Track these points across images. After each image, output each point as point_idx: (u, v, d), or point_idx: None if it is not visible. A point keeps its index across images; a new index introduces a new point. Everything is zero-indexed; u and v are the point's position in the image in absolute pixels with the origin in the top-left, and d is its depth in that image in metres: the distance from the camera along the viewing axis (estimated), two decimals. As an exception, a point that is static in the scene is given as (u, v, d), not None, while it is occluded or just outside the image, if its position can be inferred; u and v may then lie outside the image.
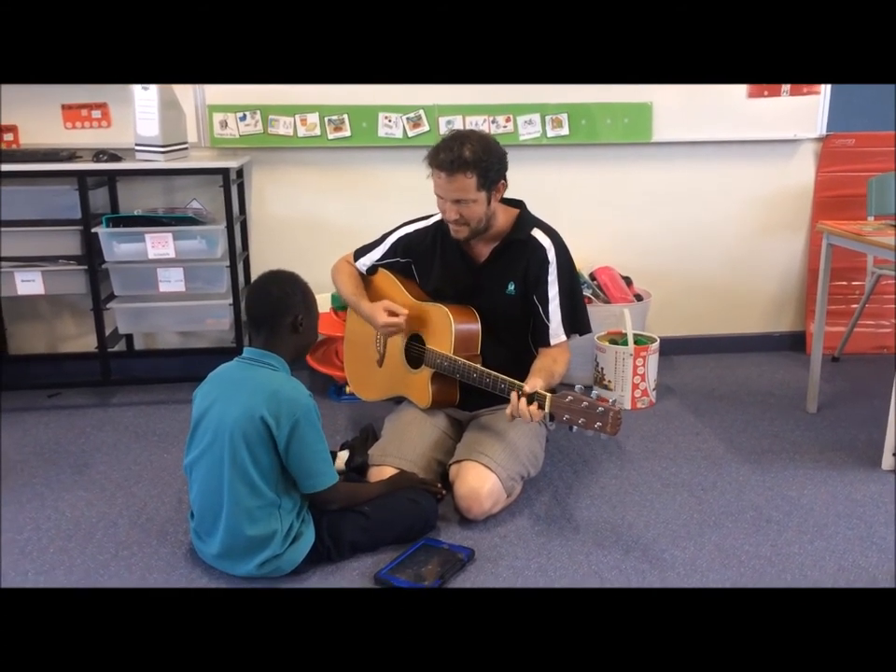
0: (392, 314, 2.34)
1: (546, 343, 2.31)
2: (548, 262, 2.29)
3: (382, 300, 2.43)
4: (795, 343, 3.71)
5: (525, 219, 2.36)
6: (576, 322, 2.35)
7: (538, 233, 2.33)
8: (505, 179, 2.26)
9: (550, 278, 2.29)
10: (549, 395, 2.02)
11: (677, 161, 3.47)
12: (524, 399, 2.04)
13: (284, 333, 2.01)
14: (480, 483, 2.18)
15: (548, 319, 2.29)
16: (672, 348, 3.52)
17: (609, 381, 3.08)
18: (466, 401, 2.40)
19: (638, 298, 3.35)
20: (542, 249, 2.30)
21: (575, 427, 1.95)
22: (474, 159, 2.14)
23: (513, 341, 2.36)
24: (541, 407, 2.02)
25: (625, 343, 3.04)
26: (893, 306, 3.57)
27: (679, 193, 3.51)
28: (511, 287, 2.33)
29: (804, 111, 3.44)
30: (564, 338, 2.30)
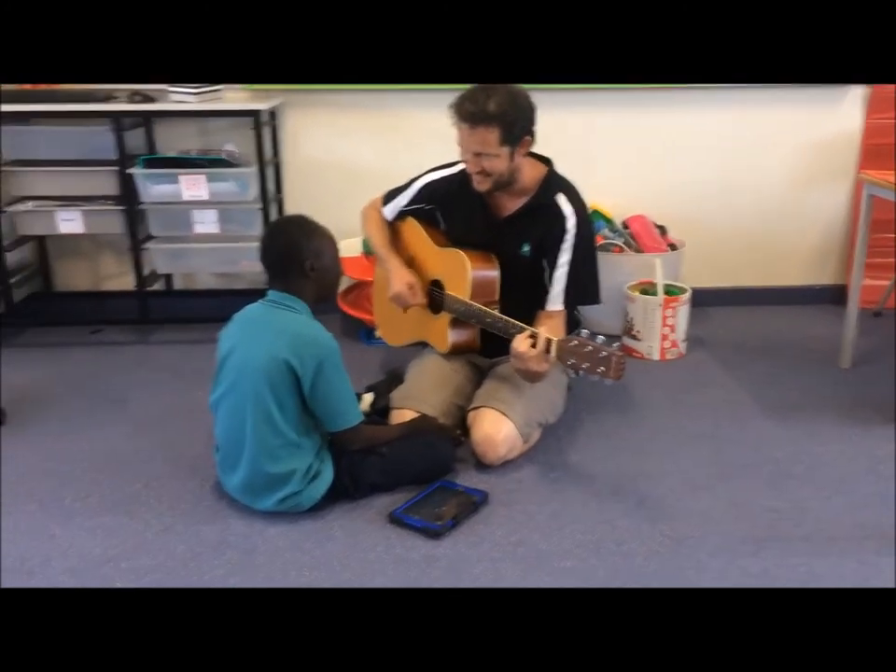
0: (412, 291, 2.39)
1: (542, 306, 2.30)
2: (566, 231, 2.26)
3: (408, 251, 2.48)
4: (837, 296, 3.58)
5: (552, 181, 2.32)
6: (580, 294, 2.33)
7: (561, 199, 2.29)
8: (532, 135, 2.21)
9: (564, 246, 2.27)
10: (555, 339, 2.04)
11: (717, 105, 3.34)
12: (529, 341, 2.06)
13: (297, 278, 2.04)
14: (495, 429, 2.21)
15: (550, 284, 2.28)
16: (707, 299, 3.46)
17: (638, 331, 3.06)
18: (487, 348, 2.42)
19: (672, 247, 3.30)
20: (563, 218, 2.27)
21: (581, 372, 1.96)
22: (499, 112, 2.10)
23: (524, 297, 2.33)
24: (548, 351, 2.04)
25: (655, 294, 3.01)
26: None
27: (718, 139, 3.40)
28: (526, 247, 2.31)
29: (856, 54, 3.30)
30: (560, 307, 2.29)
